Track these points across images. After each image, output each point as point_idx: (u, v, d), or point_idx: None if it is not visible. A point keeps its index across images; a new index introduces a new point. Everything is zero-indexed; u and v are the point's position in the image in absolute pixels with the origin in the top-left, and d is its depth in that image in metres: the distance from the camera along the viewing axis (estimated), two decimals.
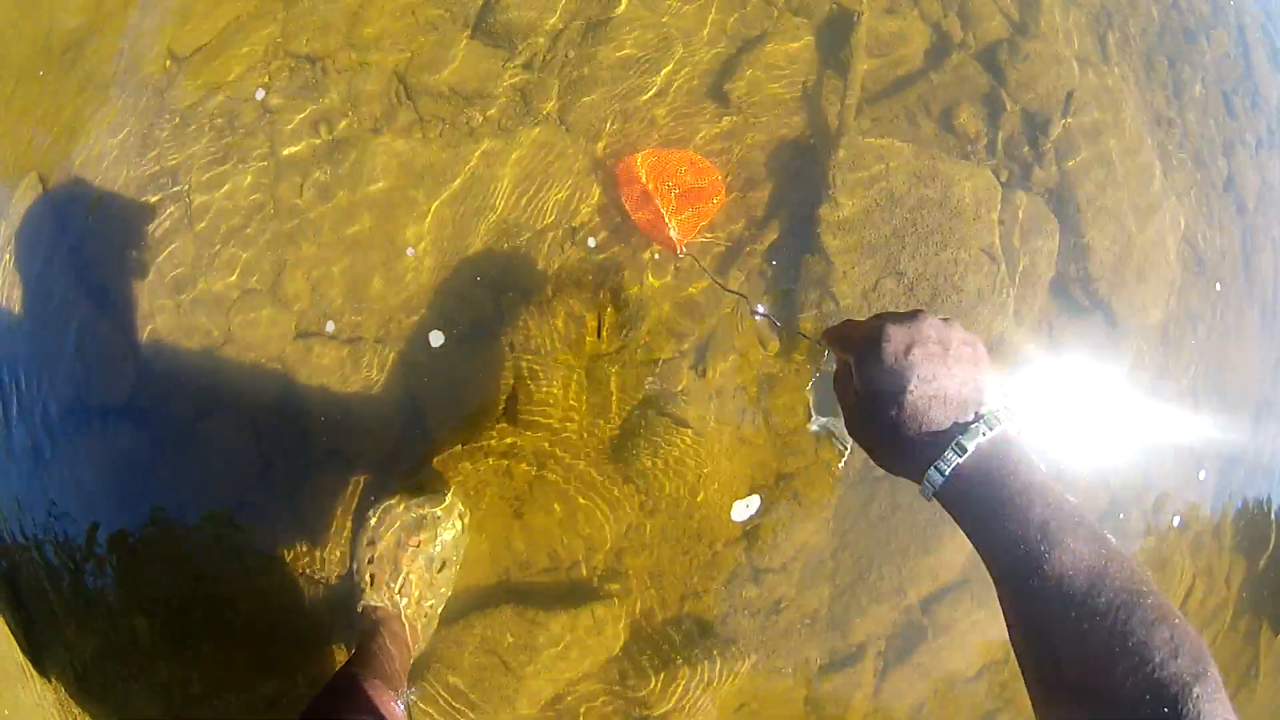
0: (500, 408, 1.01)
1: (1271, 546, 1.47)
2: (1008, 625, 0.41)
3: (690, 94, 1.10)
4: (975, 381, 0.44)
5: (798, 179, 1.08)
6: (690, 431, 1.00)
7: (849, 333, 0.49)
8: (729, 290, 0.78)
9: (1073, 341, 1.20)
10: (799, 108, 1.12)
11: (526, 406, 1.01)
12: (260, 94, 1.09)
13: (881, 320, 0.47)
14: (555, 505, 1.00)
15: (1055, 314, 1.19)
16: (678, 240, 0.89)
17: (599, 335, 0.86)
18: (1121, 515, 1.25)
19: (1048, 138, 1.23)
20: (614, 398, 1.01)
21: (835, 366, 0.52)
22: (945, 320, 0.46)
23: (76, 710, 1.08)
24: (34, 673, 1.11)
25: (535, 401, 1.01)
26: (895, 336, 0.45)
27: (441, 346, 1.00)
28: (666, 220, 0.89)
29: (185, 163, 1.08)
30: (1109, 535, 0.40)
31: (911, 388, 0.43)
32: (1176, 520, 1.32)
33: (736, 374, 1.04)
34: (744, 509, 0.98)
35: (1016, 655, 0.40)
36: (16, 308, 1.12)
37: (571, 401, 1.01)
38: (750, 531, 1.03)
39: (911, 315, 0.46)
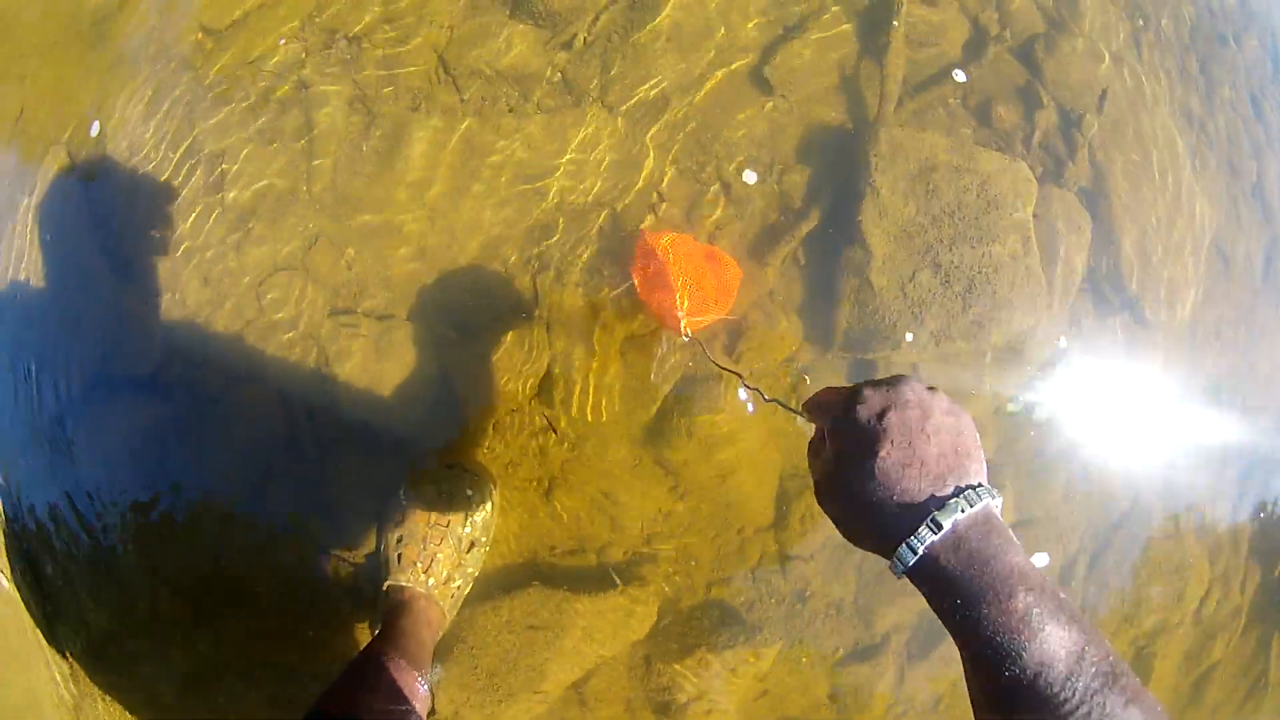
0: (535, 388, 1.01)
1: None
2: (974, 705, 0.39)
3: (731, 77, 1.09)
4: (956, 454, 0.40)
5: (836, 166, 1.07)
6: (724, 417, 1.00)
7: (827, 397, 0.46)
8: (728, 370, 0.80)
9: (1103, 338, 1.20)
10: (839, 95, 1.11)
11: (561, 387, 1.01)
12: (295, 68, 1.08)
13: (861, 384, 0.44)
14: (586, 487, 1.00)
15: (1087, 310, 1.19)
16: (684, 326, 0.89)
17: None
18: (1144, 516, 1.25)
19: (1082, 134, 1.23)
20: (649, 381, 1.01)
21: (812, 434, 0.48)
22: (931, 388, 0.44)
23: (90, 685, 1.09)
24: (49, 647, 1.11)
25: (570, 383, 1.01)
26: (871, 399, 0.42)
27: (476, 320, 0.99)
28: (678, 304, 0.88)
29: (218, 137, 1.07)
30: (1083, 616, 0.38)
31: (884, 453, 0.40)
32: (1197, 524, 1.32)
33: (770, 361, 1.04)
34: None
35: None
36: (41, 281, 1.11)
37: (607, 383, 1.01)
38: (779, 519, 1.03)
39: (893, 380, 0.43)
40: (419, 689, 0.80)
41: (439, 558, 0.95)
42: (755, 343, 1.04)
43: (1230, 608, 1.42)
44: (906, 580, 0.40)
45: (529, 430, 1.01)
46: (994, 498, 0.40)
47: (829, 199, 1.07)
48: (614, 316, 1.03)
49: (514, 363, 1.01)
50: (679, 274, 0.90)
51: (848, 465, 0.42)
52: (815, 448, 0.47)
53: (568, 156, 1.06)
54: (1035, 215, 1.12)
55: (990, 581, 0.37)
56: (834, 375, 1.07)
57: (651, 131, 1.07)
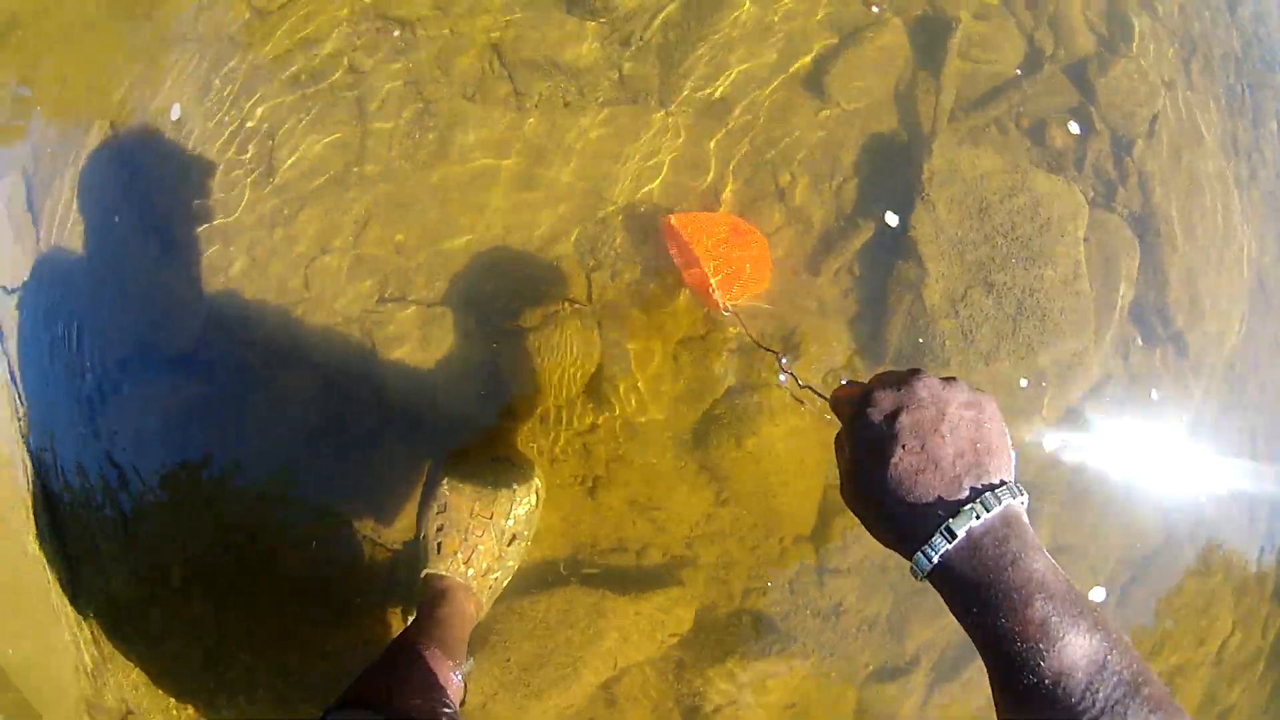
0: (584, 385, 1.01)
1: None
2: (996, 707, 0.38)
3: (788, 84, 1.10)
4: (975, 451, 0.38)
5: (891, 178, 1.08)
6: (775, 426, 1.00)
7: (845, 394, 0.45)
8: (765, 348, 0.78)
9: (1147, 368, 1.19)
10: (893, 107, 1.11)
11: (611, 386, 1.01)
12: (347, 52, 1.08)
13: (875, 381, 0.43)
14: (630, 487, 1.00)
15: (1132, 339, 1.18)
16: (721, 301, 0.89)
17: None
18: (1175, 553, 1.24)
19: (1133, 159, 1.22)
20: (701, 385, 1.01)
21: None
22: (948, 380, 0.42)
23: (113, 650, 1.08)
24: (71, 611, 1.11)
25: (620, 381, 1.01)
26: (881, 400, 0.41)
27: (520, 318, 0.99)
28: (710, 280, 0.89)
29: (268, 117, 1.08)
30: (1109, 622, 0.37)
31: (895, 460, 0.38)
32: (1225, 565, 1.31)
33: (819, 371, 1.04)
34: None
35: None
36: (84, 249, 1.12)
37: (657, 384, 1.01)
38: (820, 531, 1.02)
39: (906, 375, 0.42)
40: (453, 679, 0.80)
41: (480, 549, 0.95)
42: (806, 352, 1.03)
43: (1250, 651, 1.41)
44: (939, 604, 0.39)
45: (576, 427, 1.01)
46: (1016, 496, 0.38)
47: (881, 210, 1.07)
48: (668, 317, 1.03)
49: (564, 358, 1.01)
50: (704, 251, 0.90)
51: (863, 469, 0.41)
52: (839, 443, 0.46)
53: (625, 155, 1.06)
54: (1085, 239, 1.12)
55: (1007, 589, 0.36)
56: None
57: (709, 133, 1.07)
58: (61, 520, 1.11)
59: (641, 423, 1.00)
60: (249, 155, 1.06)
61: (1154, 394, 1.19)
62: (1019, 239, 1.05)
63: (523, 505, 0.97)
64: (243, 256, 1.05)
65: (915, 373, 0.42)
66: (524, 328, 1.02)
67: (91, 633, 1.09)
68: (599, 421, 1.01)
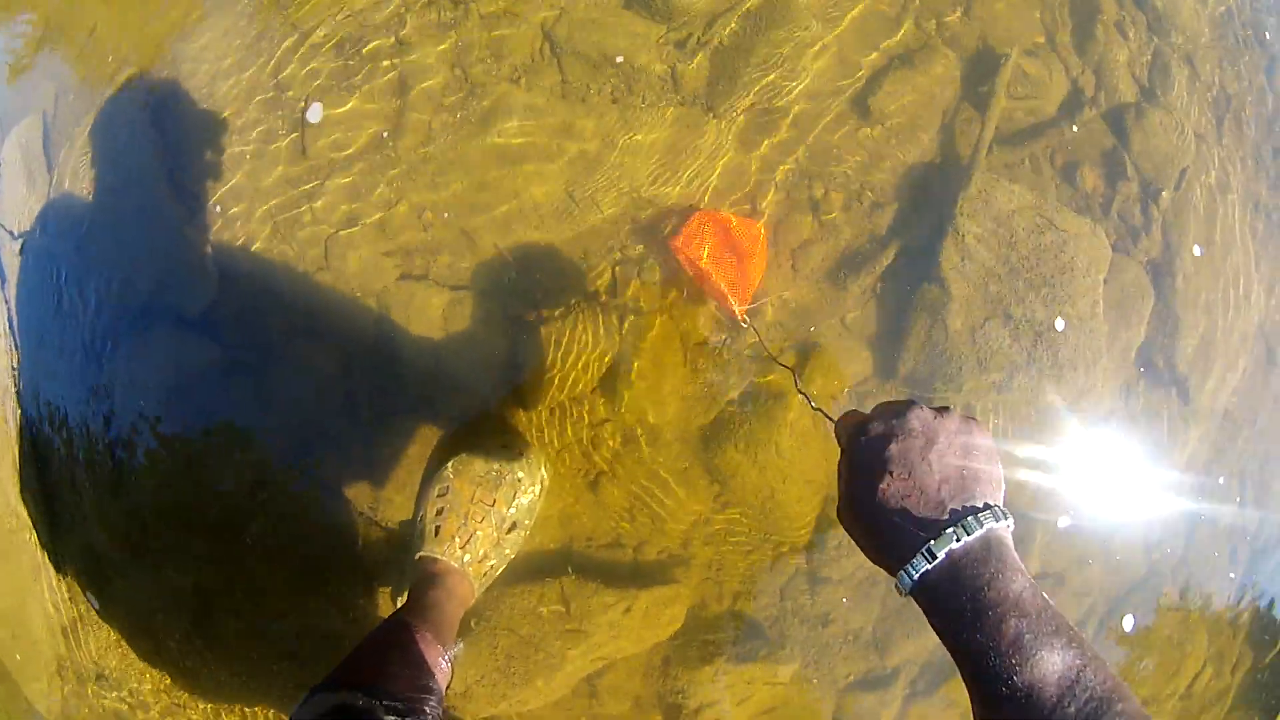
0: (598, 379, 1.01)
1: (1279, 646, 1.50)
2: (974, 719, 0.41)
3: (836, 102, 1.09)
4: (961, 478, 0.41)
5: (924, 204, 1.08)
6: (782, 435, 1.00)
7: (844, 422, 0.48)
8: (780, 364, 0.80)
9: (1148, 408, 1.21)
10: (936, 135, 1.11)
11: (624, 383, 1.01)
12: (394, 25, 1.07)
13: (872, 411, 0.46)
14: (633, 484, 1.00)
15: (1136, 379, 1.20)
16: (739, 312, 0.91)
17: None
18: (1156, 588, 1.27)
19: (1158, 208, 1.24)
20: (713, 389, 1.01)
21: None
22: (940, 410, 0.44)
23: (85, 609, 1.07)
24: (48, 564, 1.10)
25: (635, 378, 1.01)
26: (875, 429, 0.44)
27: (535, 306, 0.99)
28: (725, 291, 0.91)
29: (304, 81, 1.05)
30: (1085, 641, 0.39)
31: (884, 485, 0.42)
32: (1202, 603, 1.35)
33: (832, 385, 1.05)
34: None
35: None
36: (95, 201, 1.09)
37: (671, 385, 1.01)
38: (816, 541, 1.04)
39: (901, 405, 0.45)
40: (441, 663, 0.80)
41: (478, 535, 0.95)
42: (823, 363, 1.04)
43: (1219, 688, 1.45)
44: (924, 620, 0.42)
45: (586, 420, 1.01)
46: (1000, 520, 0.40)
47: (914, 235, 1.07)
48: (688, 320, 1.03)
49: (582, 351, 1.01)
50: (715, 269, 0.90)
51: (856, 493, 0.44)
52: (839, 468, 0.49)
53: (667, 156, 1.05)
54: (1104, 281, 1.14)
55: (982, 608, 0.38)
56: None
57: (754, 142, 1.06)
58: (48, 474, 1.10)
59: (650, 422, 1.01)
60: (281, 118, 1.03)
61: (1151, 435, 1.22)
62: (1042, 275, 1.06)
63: (526, 494, 0.97)
64: (265, 221, 1.03)
65: (910, 403, 0.45)
66: (544, 318, 1.01)
67: (69, 590, 1.08)
68: (609, 417, 1.01)
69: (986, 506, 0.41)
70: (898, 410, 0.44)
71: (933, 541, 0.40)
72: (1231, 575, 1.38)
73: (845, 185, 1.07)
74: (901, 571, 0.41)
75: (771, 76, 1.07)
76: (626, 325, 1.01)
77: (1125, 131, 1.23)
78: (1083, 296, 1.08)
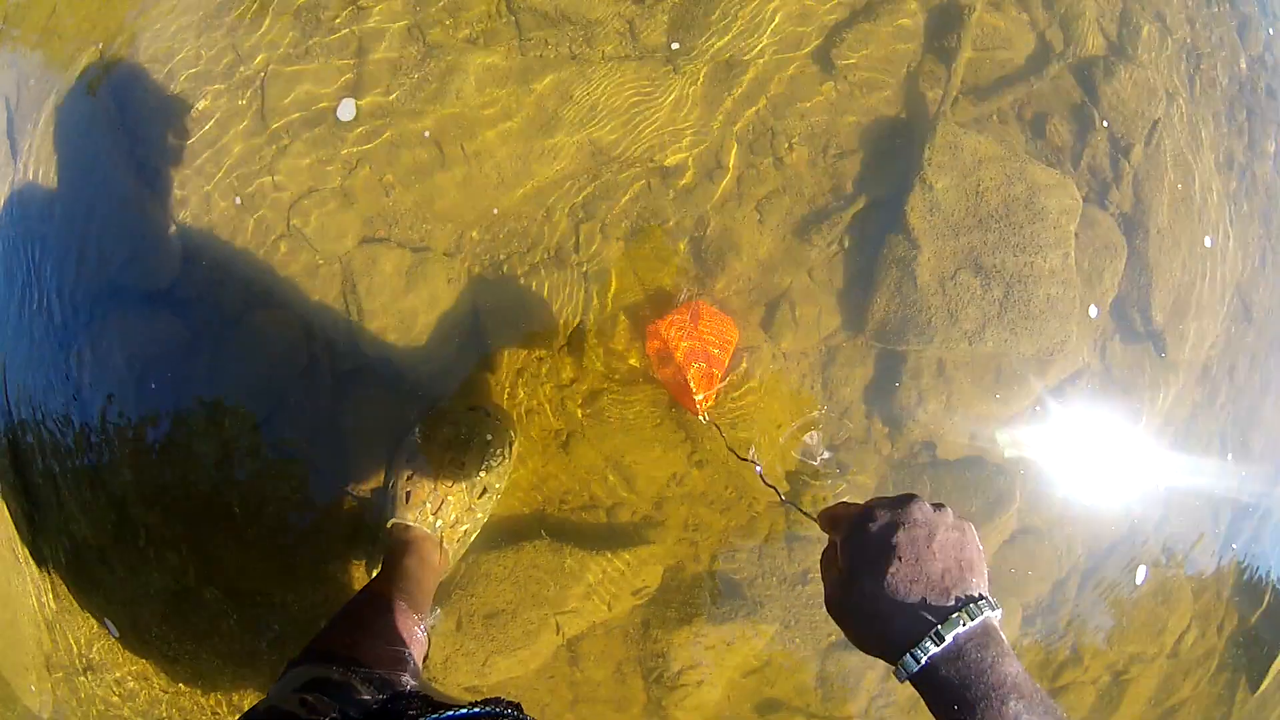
0: (566, 338, 1.00)
1: (1265, 605, 1.50)
2: None
3: (797, 54, 1.08)
4: (959, 568, 0.45)
5: (889, 157, 1.07)
6: (750, 388, 1.00)
7: (841, 513, 0.51)
8: (743, 459, 0.82)
9: (1124, 363, 1.21)
10: (899, 87, 1.10)
11: (592, 339, 1.00)
12: None
13: (873, 503, 0.49)
14: (604, 444, 0.99)
15: (1111, 333, 1.20)
16: (701, 407, 0.90)
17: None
18: (1138, 544, 1.27)
19: (1129, 162, 1.23)
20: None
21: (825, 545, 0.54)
22: (938, 505, 0.48)
23: (71, 600, 1.06)
24: (30, 560, 1.08)
25: (601, 335, 1.00)
26: (882, 517, 0.47)
27: (505, 261, 0.98)
28: (691, 390, 0.89)
29: (262, 51, 1.04)
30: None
31: (892, 570, 0.44)
32: (1185, 561, 1.35)
33: (802, 340, 1.04)
34: (811, 442, 0.97)
35: None
36: (62, 182, 1.08)
37: (639, 343, 1.00)
38: (792, 496, 1.03)
39: (902, 499, 0.48)
40: (418, 633, 0.79)
41: (449, 500, 0.94)
42: (790, 319, 1.03)
43: (1205, 648, 1.45)
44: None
45: (555, 380, 1.00)
46: (994, 609, 0.44)
47: (880, 187, 1.06)
48: (654, 274, 1.02)
49: (547, 310, 1.00)
50: (687, 360, 0.89)
51: (860, 579, 0.46)
52: (828, 559, 0.51)
53: (627, 109, 1.04)
54: (1076, 234, 1.13)
55: (985, 690, 0.41)
56: (861, 365, 1.07)
57: (715, 95, 1.05)
58: (21, 462, 1.08)
59: (620, 380, 1.00)
60: (241, 90, 1.03)
61: (1127, 388, 1.21)
62: (1012, 225, 1.06)
63: (496, 457, 0.96)
64: (226, 193, 1.02)
65: (911, 496, 0.48)
66: (508, 277, 1.00)
67: (51, 583, 1.07)
68: (577, 376, 1.00)
69: (981, 596, 0.44)
70: (900, 502, 0.47)
71: (940, 626, 0.42)
72: (1214, 534, 1.38)
73: (809, 138, 1.06)
74: (908, 656, 0.43)
75: (732, 29, 1.05)
76: (591, 281, 1.00)
77: (1094, 85, 1.22)
78: (1054, 248, 1.07)
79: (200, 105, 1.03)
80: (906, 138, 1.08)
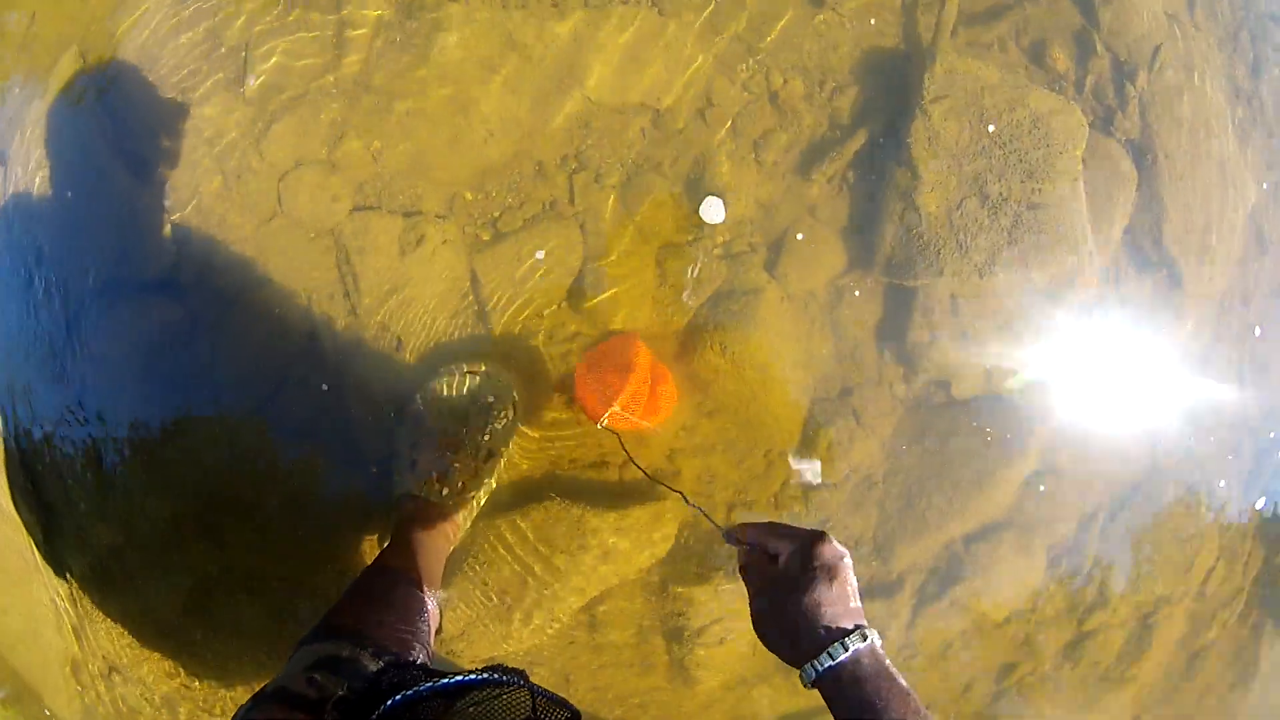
0: (565, 293, 0.98)
1: None
2: None
3: None
4: (854, 595, 0.56)
5: (887, 89, 1.04)
6: (758, 334, 0.97)
7: (787, 530, 0.60)
8: (665, 485, 0.84)
9: (1137, 293, 1.18)
10: (894, 17, 1.07)
11: (593, 292, 0.97)
12: None
13: (799, 532, 0.58)
14: None
15: (1124, 262, 1.17)
16: (605, 418, 0.88)
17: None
18: (1161, 482, 1.24)
19: (1134, 87, 1.19)
20: (685, 291, 0.97)
21: (741, 560, 0.62)
22: (839, 543, 0.59)
23: (91, 605, 1.05)
24: (48, 569, 1.07)
25: (601, 288, 0.97)
26: (830, 545, 0.57)
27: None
28: (617, 398, 0.87)
29: (241, 24, 1.02)
30: None
31: (819, 590, 0.54)
32: (1209, 497, 1.32)
33: (809, 280, 1.01)
34: (807, 469, 0.99)
35: None
36: (55, 185, 1.06)
37: (640, 290, 0.97)
38: (806, 444, 1.00)
39: (818, 533, 0.57)
40: (429, 605, 0.78)
41: (455, 467, 0.92)
42: (797, 259, 1.01)
43: (1232, 588, 1.42)
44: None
45: (557, 336, 0.97)
46: (876, 637, 0.54)
47: (879, 120, 1.03)
48: (651, 221, 0.99)
49: (545, 266, 0.97)
50: (638, 377, 0.87)
51: (780, 595, 0.56)
52: (758, 570, 0.60)
53: (613, 55, 1.01)
54: (1083, 160, 1.10)
55: (872, 695, 0.50)
56: (870, 303, 1.04)
57: (703, 35, 1.02)
58: (35, 471, 1.07)
59: (623, 330, 0.97)
60: (222, 69, 1.00)
61: (1143, 320, 1.18)
62: (1018, 152, 1.03)
63: (499, 420, 0.94)
64: (215, 176, 0.99)
65: (819, 534, 0.58)
66: (503, 234, 0.98)
67: (71, 589, 1.06)
68: (580, 330, 0.98)
69: (865, 624, 0.54)
70: (820, 535, 0.57)
71: (845, 637, 0.52)
72: (1238, 469, 1.35)
73: (804, 72, 1.03)
74: (810, 664, 0.52)
75: None
76: (588, 233, 0.97)
77: (1093, 9, 1.18)
78: (1062, 173, 1.04)
79: (182, 89, 1.01)
80: (905, 69, 1.04)
